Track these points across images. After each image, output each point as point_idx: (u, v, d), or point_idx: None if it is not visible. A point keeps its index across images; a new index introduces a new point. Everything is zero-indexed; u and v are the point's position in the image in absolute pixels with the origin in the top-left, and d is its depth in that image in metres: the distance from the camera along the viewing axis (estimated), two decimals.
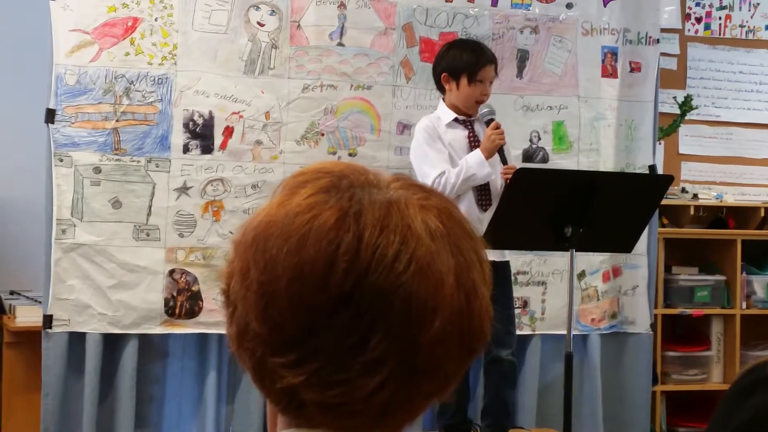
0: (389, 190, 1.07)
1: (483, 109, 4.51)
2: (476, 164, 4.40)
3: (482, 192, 4.49)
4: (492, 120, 4.47)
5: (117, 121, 4.64)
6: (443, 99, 4.60)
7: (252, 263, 1.05)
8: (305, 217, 1.03)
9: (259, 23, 4.81)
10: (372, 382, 1.02)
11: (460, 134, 4.54)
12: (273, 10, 4.82)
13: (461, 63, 4.50)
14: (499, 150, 4.41)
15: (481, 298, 1.08)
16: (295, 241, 1.02)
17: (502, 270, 4.58)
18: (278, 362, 1.03)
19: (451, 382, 1.08)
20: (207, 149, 4.74)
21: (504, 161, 4.44)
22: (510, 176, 4.29)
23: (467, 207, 4.44)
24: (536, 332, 5.13)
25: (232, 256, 1.08)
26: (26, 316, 4.83)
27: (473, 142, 4.51)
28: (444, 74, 4.55)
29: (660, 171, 5.58)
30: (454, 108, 4.54)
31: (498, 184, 4.45)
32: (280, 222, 1.04)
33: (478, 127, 4.55)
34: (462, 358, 1.08)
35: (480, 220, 4.33)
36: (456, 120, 4.54)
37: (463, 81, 4.49)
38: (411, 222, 1.03)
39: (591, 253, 5.06)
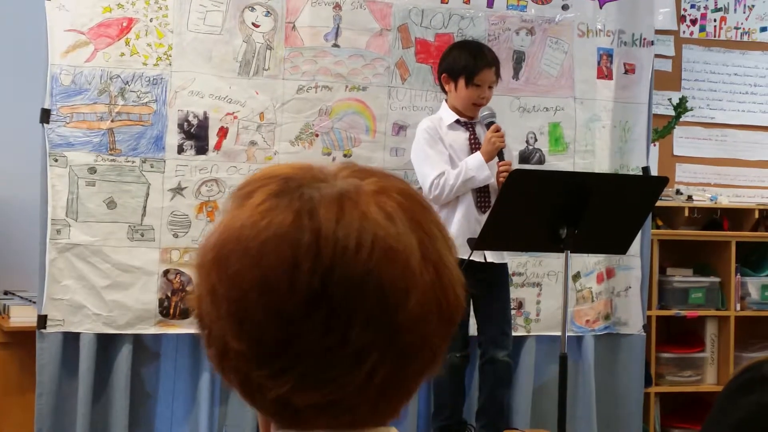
0: (337, 181, 1.06)
1: (483, 112, 4.52)
2: (476, 167, 4.40)
3: (481, 194, 4.49)
4: (492, 123, 4.47)
5: (112, 121, 4.64)
6: (446, 100, 4.61)
7: (218, 283, 1.04)
8: (260, 226, 1.02)
9: (254, 24, 4.81)
10: (361, 373, 1.02)
11: (461, 136, 4.55)
12: (268, 11, 4.82)
13: (459, 65, 4.51)
14: (499, 153, 4.42)
15: (451, 267, 1.07)
16: (255, 252, 1.02)
17: (500, 271, 4.59)
18: (264, 374, 1.03)
19: (438, 355, 1.08)
20: (201, 150, 4.74)
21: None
22: (506, 171, 4.29)
23: (466, 208, 4.45)
24: (531, 333, 5.14)
25: (197, 280, 1.07)
26: (20, 316, 4.82)
27: (474, 145, 4.51)
28: (444, 75, 4.56)
29: (654, 172, 5.59)
30: (455, 109, 4.55)
31: (497, 186, 4.44)
32: (236, 236, 1.03)
33: (480, 130, 4.55)
34: (444, 330, 1.07)
35: (479, 222, 4.33)
36: (457, 122, 4.55)
37: (461, 83, 4.49)
38: (365, 208, 1.03)
39: (586, 255, 5.07)
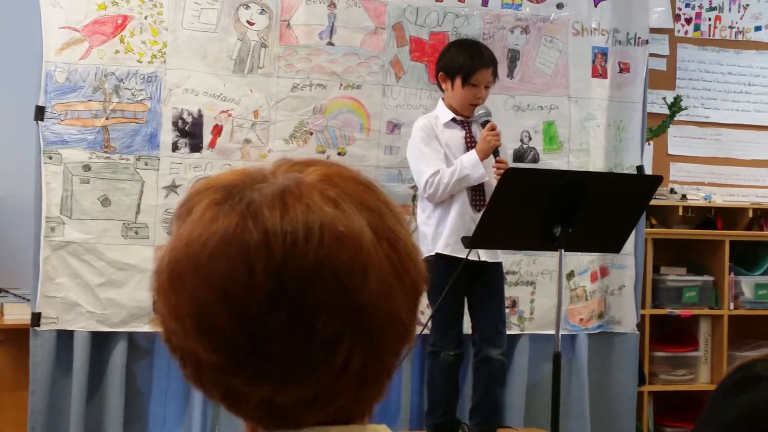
0: (277, 179, 1.06)
1: (479, 111, 4.51)
2: (471, 165, 4.40)
3: (476, 192, 4.49)
4: (488, 121, 4.47)
5: (106, 118, 4.64)
6: (442, 98, 4.61)
7: (177, 302, 1.04)
8: (206, 237, 1.03)
9: (248, 22, 4.80)
10: (337, 362, 1.02)
11: (457, 134, 4.55)
12: (263, 9, 4.82)
13: (456, 64, 4.50)
14: (494, 151, 4.42)
15: (405, 239, 1.08)
16: (206, 264, 1.02)
17: (494, 270, 4.58)
18: (242, 381, 1.03)
19: (410, 328, 1.09)
20: (196, 147, 4.74)
21: None
22: (501, 169, 4.29)
23: (461, 207, 4.45)
24: (525, 332, 5.14)
25: (159, 305, 1.08)
26: (14, 314, 4.81)
27: (470, 143, 4.51)
28: (441, 73, 4.56)
29: (648, 171, 5.60)
30: (451, 108, 4.55)
31: (493, 184, 4.43)
32: (185, 252, 1.04)
33: (476, 128, 4.55)
34: (410, 302, 1.08)
35: (474, 220, 4.33)
36: (454, 120, 4.55)
37: (458, 82, 4.49)
38: (309, 199, 1.03)
39: (580, 253, 5.08)
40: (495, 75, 4.57)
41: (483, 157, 4.41)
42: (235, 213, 1.03)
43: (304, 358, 1.02)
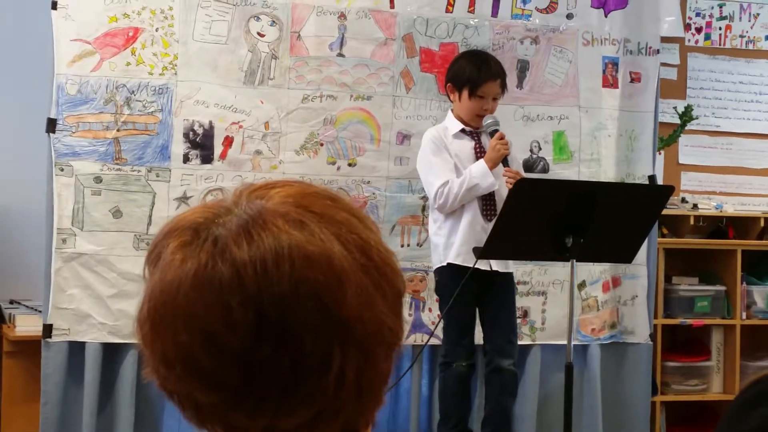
0: (240, 208, 1.06)
1: (487, 120, 4.51)
2: (480, 174, 4.40)
3: (487, 202, 4.48)
4: (496, 131, 4.46)
5: (118, 130, 4.65)
6: (452, 109, 4.61)
7: (163, 348, 1.04)
8: (178, 282, 1.03)
9: (259, 34, 4.81)
10: (331, 380, 1.02)
11: (467, 145, 4.54)
12: (273, 21, 4.83)
13: (464, 76, 4.50)
14: (503, 160, 4.41)
15: (376, 245, 1.08)
16: (184, 307, 1.02)
17: (505, 280, 4.57)
18: (242, 415, 1.03)
19: (397, 330, 1.08)
20: (207, 159, 4.75)
21: None
22: (512, 178, 4.28)
23: (472, 217, 4.45)
24: (536, 342, 5.13)
25: (146, 354, 1.07)
26: (26, 326, 4.82)
27: (479, 154, 4.51)
28: (449, 84, 4.56)
29: (660, 181, 5.58)
30: (460, 119, 4.55)
31: (503, 193, 4.42)
32: (162, 300, 1.04)
33: (485, 139, 4.55)
34: (393, 306, 1.08)
35: (485, 230, 4.33)
36: (463, 131, 4.55)
37: (465, 94, 4.49)
38: (273, 226, 1.03)
39: (591, 264, 5.07)
40: (503, 87, 4.56)
41: (492, 166, 4.41)
42: (204, 252, 1.03)
43: (297, 382, 1.01)
